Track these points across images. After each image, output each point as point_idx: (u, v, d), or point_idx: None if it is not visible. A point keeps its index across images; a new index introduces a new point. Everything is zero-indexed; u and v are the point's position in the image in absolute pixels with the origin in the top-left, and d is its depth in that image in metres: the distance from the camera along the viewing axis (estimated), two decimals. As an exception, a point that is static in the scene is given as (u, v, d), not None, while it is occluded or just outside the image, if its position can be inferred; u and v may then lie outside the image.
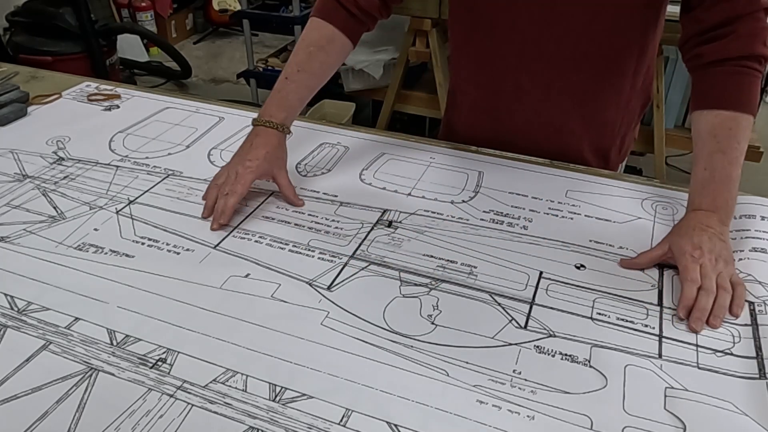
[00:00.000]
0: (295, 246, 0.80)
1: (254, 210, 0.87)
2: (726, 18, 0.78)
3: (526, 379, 0.61)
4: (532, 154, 1.02)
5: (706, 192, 0.78)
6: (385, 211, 0.87)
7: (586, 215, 0.86)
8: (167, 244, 0.80)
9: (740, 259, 0.76)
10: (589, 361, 0.63)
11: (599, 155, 1.04)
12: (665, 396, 0.59)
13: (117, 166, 0.97)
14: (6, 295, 0.71)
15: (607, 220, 0.85)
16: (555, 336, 0.66)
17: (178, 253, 0.78)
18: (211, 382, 0.60)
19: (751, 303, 0.70)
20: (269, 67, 2.88)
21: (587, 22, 0.87)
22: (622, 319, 0.69)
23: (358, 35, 0.94)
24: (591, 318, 0.69)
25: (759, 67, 0.78)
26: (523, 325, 0.68)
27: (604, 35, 0.88)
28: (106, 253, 0.78)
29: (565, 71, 0.92)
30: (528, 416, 0.57)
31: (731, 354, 0.64)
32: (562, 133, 1.00)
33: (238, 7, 3.26)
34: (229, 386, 0.60)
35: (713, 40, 0.79)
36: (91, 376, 0.60)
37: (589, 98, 0.95)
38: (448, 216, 0.86)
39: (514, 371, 0.62)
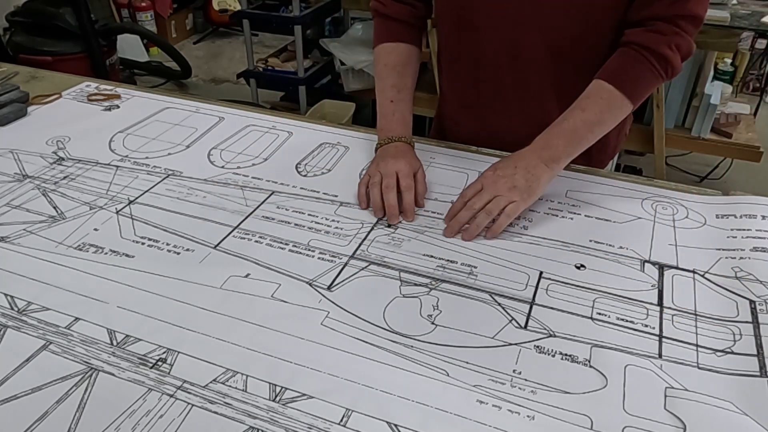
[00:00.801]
0: (295, 246, 0.80)
1: (254, 210, 0.87)
2: (652, 15, 0.83)
3: (526, 379, 0.61)
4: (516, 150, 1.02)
5: (545, 134, 0.86)
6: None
7: (586, 215, 0.86)
8: (167, 244, 0.80)
9: (741, 258, 0.76)
10: (589, 361, 0.63)
11: (583, 154, 1.04)
12: (665, 396, 0.59)
13: (117, 166, 0.97)
14: (6, 295, 0.71)
15: (607, 220, 0.85)
16: (555, 336, 0.66)
17: (178, 253, 0.78)
18: (211, 382, 0.60)
19: (752, 302, 0.70)
20: (269, 67, 2.88)
21: (562, 19, 0.88)
22: (622, 319, 0.69)
23: (421, 38, 1.02)
24: (591, 318, 0.69)
25: (657, 64, 0.83)
26: (523, 325, 0.68)
27: (578, 32, 0.89)
28: (106, 253, 0.78)
29: (543, 67, 0.94)
30: (528, 416, 0.57)
31: (732, 352, 0.64)
32: (543, 128, 1.00)
33: (238, 7, 3.26)
34: (229, 386, 0.60)
35: (634, 26, 0.85)
36: (91, 376, 0.60)
37: (567, 94, 0.96)
38: (448, 216, 0.86)
39: (514, 371, 0.62)
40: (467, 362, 0.63)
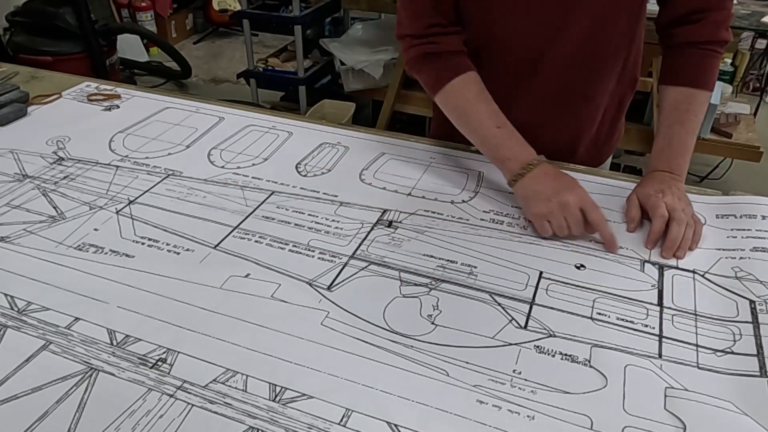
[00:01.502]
0: (295, 246, 0.80)
1: (254, 210, 0.87)
2: (698, 7, 0.86)
3: (526, 379, 0.61)
4: None
5: (664, 157, 0.88)
6: (385, 211, 0.87)
7: (586, 215, 0.86)
8: (167, 244, 0.80)
9: (741, 258, 0.76)
10: (589, 361, 0.63)
11: (591, 150, 1.05)
12: (665, 396, 0.59)
13: (117, 166, 0.97)
14: (6, 295, 0.71)
15: (607, 220, 0.85)
16: (555, 336, 0.66)
17: (178, 253, 0.78)
18: (211, 382, 0.60)
19: (752, 302, 0.70)
20: (269, 67, 2.88)
21: (586, 23, 0.88)
22: (622, 319, 0.69)
23: (470, 63, 0.92)
24: (591, 318, 0.69)
25: (721, 50, 0.88)
26: (523, 325, 0.68)
27: (600, 34, 0.89)
28: (106, 253, 0.78)
29: (563, 72, 0.93)
30: (528, 416, 0.57)
31: (732, 352, 0.64)
32: (556, 130, 1.00)
33: (238, 7, 3.26)
34: (229, 386, 0.60)
35: (686, 24, 0.88)
36: (91, 376, 0.60)
37: (584, 95, 0.96)
38: (448, 216, 0.86)
39: (514, 371, 0.62)
40: (467, 362, 0.63)
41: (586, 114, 0.99)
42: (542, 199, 0.81)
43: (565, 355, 0.64)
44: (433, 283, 0.73)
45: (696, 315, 0.69)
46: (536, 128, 0.92)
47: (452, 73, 0.90)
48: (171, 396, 0.58)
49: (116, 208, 0.87)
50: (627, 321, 0.68)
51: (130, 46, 3.57)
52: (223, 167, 0.98)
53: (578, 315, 0.69)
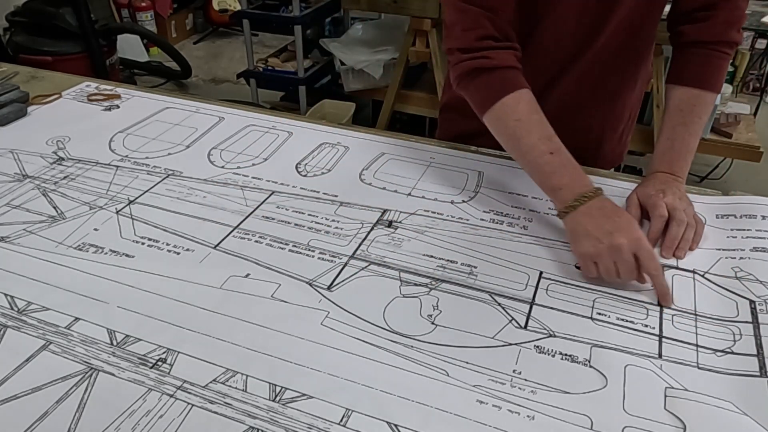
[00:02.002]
0: (295, 246, 0.80)
1: (254, 210, 0.87)
2: (708, 3, 0.85)
3: (526, 379, 0.61)
4: None
5: (666, 159, 0.87)
6: (385, 211, 0.87)
7: (586, 215, 0.86)
8: (167, 244, 0.80)
9: (741, 258, 0.76)
10: (589, 361, 0.63)
11: (615, 149, 1.05)
12: (665, 396, 0.59)
13: (117, 166, 0.97)
14: (6, 295, 0.71)
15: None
16: (555, 336, 0.66)
17: (178, 253, 0.78)
18: (211, 382, 0.60)
19: (752, 302, 0.70)
20: (269, 67, 2.88)
21: (621, 24, 0.88)
22: (622, 319, 0.69)
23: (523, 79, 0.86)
24: (591, 318, 0.69)
25: (730, 51, 0.87)
26: (523, 325, 0.68)
27: (632, 35, 0.90)
28: (106, 253, 0.78)
29: (595, 71, 0.93)
30: (528, 416, 0.57)
31: (732, 352, 0.64)
32: (584, 129, 1.00)
33: (238, 7, 3.26)
34: (229, 386, 0.60)
35: (694, 22, 0.87)
36: (91, 376, 0.60)
37: (612, 94, 0.97)
38: (448, 216, 0.86)
39: (514, 371, 0.62)
40: (467, 362, 0.63)
41: (613, 113, 0.99)
42: (592, 237, 0.73)
43: (565, 355, 0.64)
44: (433, 283, 0.73)
45: (696, 315, 0.69)
46: (564, 126, 0.88)
47: (504, 90, 0.82)
48: (171, 396, 0.58)
49: (116, 208, 0.87)
50: (627, 321, 0.68)
51: (130, 46, 3.58)
52: (223, 167, 0.98)
53: (578, 315, 0.69)
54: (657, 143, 0.89)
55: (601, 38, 0.89)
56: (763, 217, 0.82)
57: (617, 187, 0.93)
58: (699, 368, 0.62)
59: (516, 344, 0.65)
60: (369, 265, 0.76)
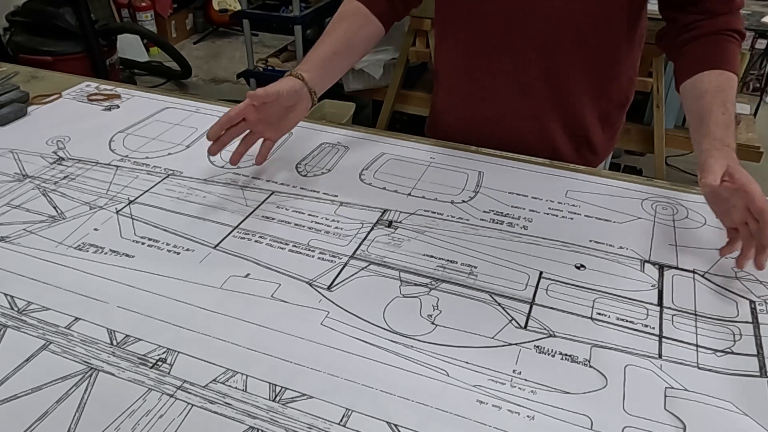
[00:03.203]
0: (295, 246, 0.80)
1: (254, 210, 0.87)
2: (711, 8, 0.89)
3: (526, 379, 0.61)
4: (507, 143, 1.03)
5: (729, 132, 0.82)
6: (385, 211, 0.87)
7: (586, 215, 0.86)
8: (167, 244, 0.80)
9: (740, 259, 0.76)
10: (589, 361, 0.63)
11: (573, 151, 1.05)
12: (665, 396, 0.59)
13: (117, 166, 0.97)
14: (6, 295, 0.71)
15: (607, 220, 0.85)
16: (555, 336, 0.66)
17: (178, 253, 0.78)
18: (211, 382, 0.60)
19: (752, 302, 0.70)
20: (269, 67, 2.88)
21: (568, 10, 0.89)
22: (622, 319, 0.69)
23: (387, 17, 1.00)
24: (591, 318, 0.69)
25: (740, 39, 0.90)
26: (523, 325, 0.68)
27: (585, 25, 0.90)
28: (106, 253, 0.78)
29: (542, 59, 0.94)
30: (528, 416, 0.57)
31: (731, 352, 0.64)
32: (536, 122, 1.01)
33: (238, 7, 3.26)
34: (229, 386, 0.60)
35: (705, 18, 0.89)
36: (91, 376, 0.60)
37: (563, 90, 0.97)
38: (448, 216, 0.86)
39: (514, 371, 0.62)
40: (467, 362, 0.63)
41: (563, 106, 1.00)
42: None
43: (565, 355, 0.64)
44: (433, 283, 0.73)
45: (696, 315, 0.69)
46: (509, 108, 0.98)
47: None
48: (171, 396, 0.58)
49: (116, 208, 0.87)
50: (627, 321, 0.68)
51: (130, 46, 3.58)
52: (223, 167, 0.98)
53: (578, 315, 0.69)
54: (713, 118, 0.82)
55: (530, 27, 0.91)
56: (763, 217, 0.82)
57: (617, 187, 0.93)
58: (699, 368, 0.62)
59: (516, 344, 0.65)
60: (369, 265, 0.76)
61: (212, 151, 0.87)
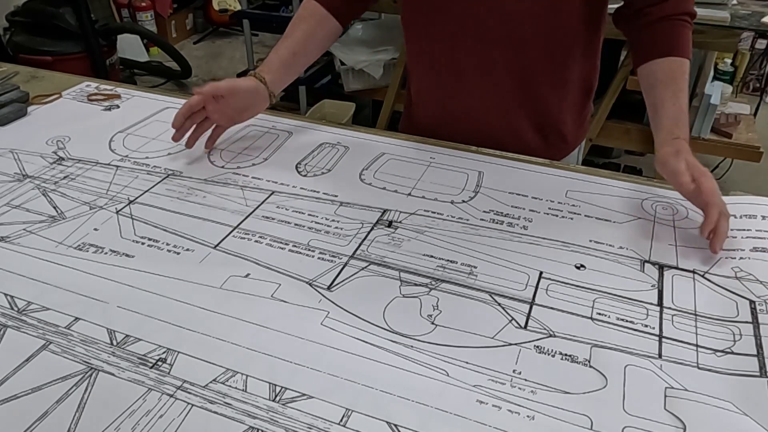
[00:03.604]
0: (295, 246, 0.80)
1: (254, 210, 0.87)
2: None
3: (526, 379, 0.61)
4: (476, 137, 1.05)
5: (681, 124, 0.87)
6: (385, 211, 0.87)
7: (586, 215, 0.86)
8: (167, 244, 0.80)
9: (741, 258, 0.76)
10: (589, 361, 0.63)
11: (542, 141, 1.05)
12: (665, 396, 0.59)
13: (117, 166, 0.97)
14: (6, 295, 0.71)
15: (607, 220, 0.85)
16: (555, 336, 0.66)
17: (178, 253, 0.78)
18: (211, 382, 0.60)
19: (752, 302, 0.70)
20: (269, 67, 2.88)
21: (527, 3, 0.90)
22: (622, 319, 0.69)
23: (344, 15, 1.04)
24: (591, 318, 0.69)
25: (691, 21, 0.92)
26: (523, 325, 0.68)
27: (543, 19, 0.91)
28: (106, 253, 0.78)
29: (504, 52, 0.95)
30: (528, 416, 0.57)
31: (731, 352, 0.64)
32: (504, 115, 1.02)
33: (238, 7, 3.26)
34: (229, 386, 0.60)
35: (656, 3, 0.91)
36: (91, 376, 0.60)
37: (527, 81, 0.98)
38: (448, 216, 0.86)
39: (514, 371, 0.62)
40: (467, 362, 0.63)
41: (528, 99, 1.00)
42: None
43: (565, 355, 0.64)
44: (433, 283, 0.73)
45: (696, 315, 0.69)
46: (477, 103, 1.00)
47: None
48: (171, 396, 0.58)
49: (116, 208, 0.87)
50: (627, 321, 0.68)
51: (130, 46, 3.58)
52: (223, 167, 0.98)
53: (578, 315, 0.69)
54: (663, 109, 0.88)
55: (490, 21, 0.92)
56: (763, 217, 0.82)
57: (617, 187, 0.93)
58: (699, 368, 0.62)
59: (516, 344, 0.65)
60: (369, 265, 0.76)
61: (175, 139, 0.97)
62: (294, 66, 1.04)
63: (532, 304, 0.71)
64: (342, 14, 1.04)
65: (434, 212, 0.87)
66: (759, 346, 0.64)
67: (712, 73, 2.25)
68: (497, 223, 0.85)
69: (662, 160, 0.83)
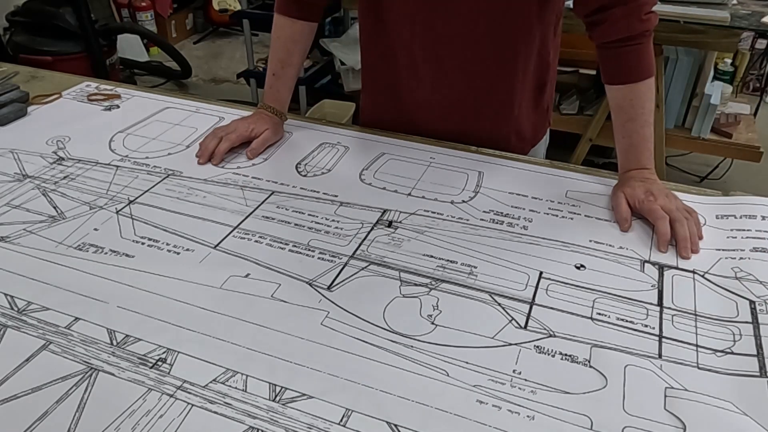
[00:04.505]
0: (295, 246, 0.80)
1: (254, 210, 0.87)
2: (601, 5, 0.86)
3: (526, 379, 0.61)
4: (431, 135, 1.05)
5: (631, 156, 0.90)
6: (385, 211, 0.87)
7: (586, 215, 0.86)
8: (167, 244, 0.80)
9: (741, 258, 0.76)
10: (589, 361, 0.63)
11: (496, 135, 1.05)
12: (665, 396, 0.59)
13: (117, 166, 0.97)
14: (6, 295, 0.71)
15: (607, 220, 0.85)
16: (555, 336, 0.66)
17: (178, 253, 0.78)
18: (211, 382, 0.60)
19: (752, 302, 0.70)
20: (269, 67, 2.88)
21: (477, 3, 0.90)
22: (622, 319, 0.69)
23: (319, 15, 1.05)
24: (591, 318, 0.69)
25: (642, 39, 0.86)
26: (523, 325, 0.68)
27: (496, 17, 0.91)
28: (106, 253, 0.78)
29: (456, 48, 0.95)
30: (528, 416, 0.57)
31: (731, 352, 0.64)
32: (458, 112, 1.03)
33: (238, 7, 3.26)
34: (229, 386, 0.60)
35: (596, 25, 0.88)
36: (91, 376, 0.60)
37: (479, 77, 0.98)
38: (448, 216, 0.86)
39: (514, 371, 0.62)
40: (467, 362, 0.63)
41: (480, 95, 1.00)
42: (236, 122, 1.04)
43: (565, 355, 0.64)
44: (433, 283, 0.73)
45: (696, 315, 0.69)
46: (431, 98, 1.01)
47: (287, 10, 1.02)
48: (171, 396, 0.58)
49: (116, 208, 0.87)
50: (627, 321, 0.68)
51: (130, 46, 3.57)
52: (223, 167, 0.98)
53: (578, 315, 0.69)
54: (616, 143, 0.92)
55: (442, 18, 0.92)
56: (763, 217, 0.82)
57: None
58: (699, 368, 0.62)
59: (516, 344, 0.65)
60: (369, 265, 0.76)
61: (201, 163, 1.00)
62: (290, 81, 1.08)
63: (532, 304, 0.71)
64: (314, 14, 1.04)
65: (434, 212, 0.87)
66: (759, 346, 0.64)
67: (712, 73, 2.25)
68: (497, 223, 0.85)
69: (613, 201, 0.88)
